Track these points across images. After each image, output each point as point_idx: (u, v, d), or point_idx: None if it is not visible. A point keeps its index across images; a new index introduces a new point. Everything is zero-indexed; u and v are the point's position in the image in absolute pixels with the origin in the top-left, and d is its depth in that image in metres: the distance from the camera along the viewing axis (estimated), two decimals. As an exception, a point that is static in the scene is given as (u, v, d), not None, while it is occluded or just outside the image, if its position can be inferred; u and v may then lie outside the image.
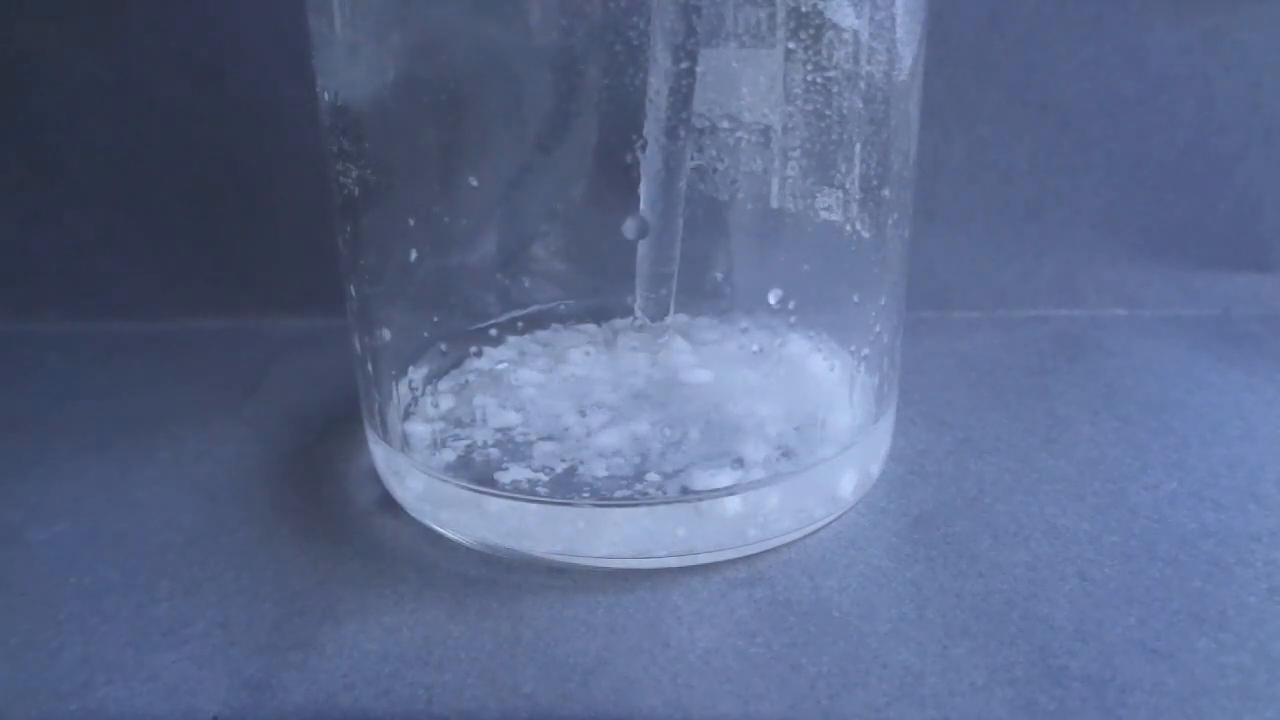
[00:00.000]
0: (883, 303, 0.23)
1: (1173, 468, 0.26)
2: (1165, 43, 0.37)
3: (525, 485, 0.22)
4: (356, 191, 0.22)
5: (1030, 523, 0.23)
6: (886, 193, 0.22)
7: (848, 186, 0.21)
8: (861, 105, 0.20)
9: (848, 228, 0.21)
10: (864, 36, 0.20)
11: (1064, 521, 0.23)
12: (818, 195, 0.21)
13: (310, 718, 0.18)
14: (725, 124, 0.20)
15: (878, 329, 0.23)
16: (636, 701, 0.18)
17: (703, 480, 0.21)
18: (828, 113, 0.20)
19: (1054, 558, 0.22)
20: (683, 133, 0.20)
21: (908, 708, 0.18)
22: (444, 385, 0.25)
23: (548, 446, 0.22)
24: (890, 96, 0.21)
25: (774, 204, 0.21)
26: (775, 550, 0.22)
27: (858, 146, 0.21)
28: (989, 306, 0.39)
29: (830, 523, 0.23)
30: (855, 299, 0.22)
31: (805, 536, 0.23)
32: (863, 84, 0.20)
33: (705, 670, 0.19)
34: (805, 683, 0.18)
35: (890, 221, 0.22)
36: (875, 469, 0.25)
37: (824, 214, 0.21)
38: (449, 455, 0.23)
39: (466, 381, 0.25)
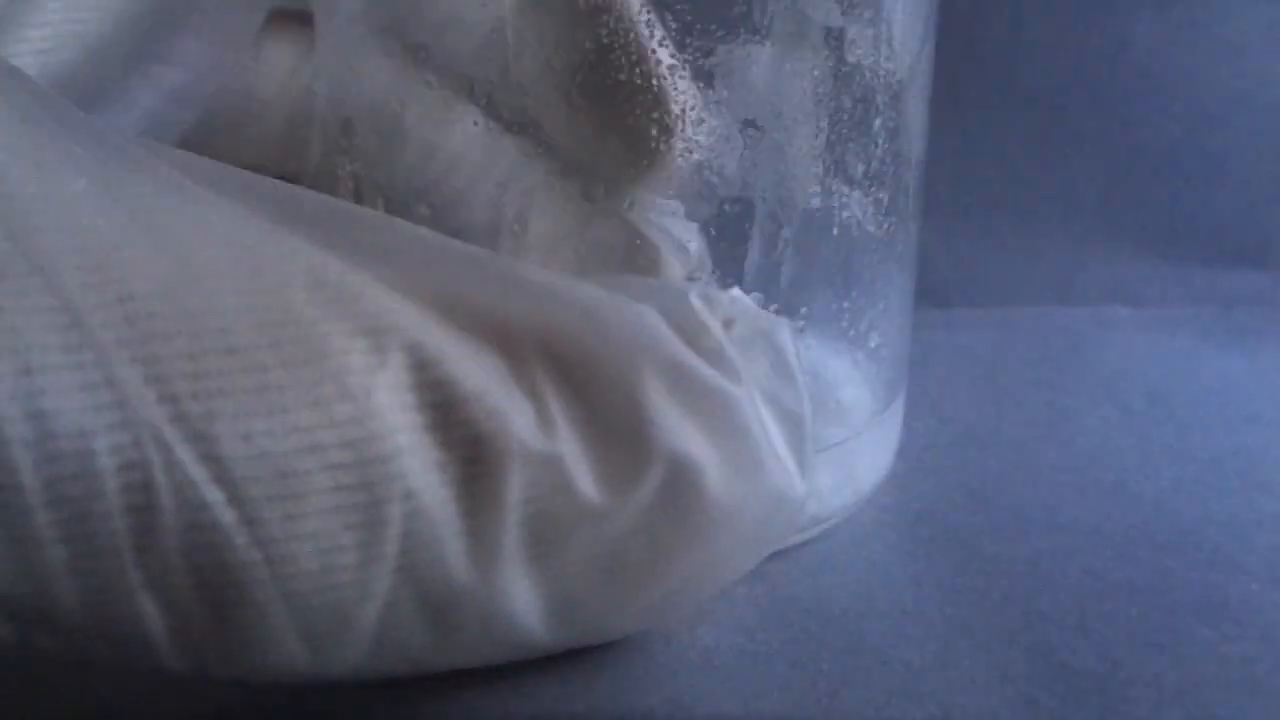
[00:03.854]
0: (892, 300, 0.23)
1: (1174, 456, 0.26)
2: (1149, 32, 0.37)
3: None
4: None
5: (1031, 516, 0.23)
6: (897, 188, 0.22)
7: (859, 182, 0.21)
8: (870, 102, 0.20)
9: (856, 224, 0.21)
10: (869, 34, 0.20)
11: (1065, 514, 0.23)
12: (827, 191, 0.21)
13: (309, 713, 0.18)
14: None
15: (885, 327, 0.23)
16: (636, 699, 0.18)
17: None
18: (836, 110, 0.20)
19: (1055, 551, 0.22)
20: None
21: (908, 704, 0.17)
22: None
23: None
24: (900, 94, 0.21)
25: (783, 199, 0.20)
26: (774, 545, 0.22)
27: (867, 143, 0.21)
28: (989, 304, 0.39)
29: (831, 519, 0.23)
30: (863, 296, 0.22)
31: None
32: (871, 80, 0.20)
33: (705, 667, 0.19)
34: (805, 680, 0.18)
35: (899, 218, 0.22)
36: (884, 465, 0.24)
37: (833, 210, 0.21)
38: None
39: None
